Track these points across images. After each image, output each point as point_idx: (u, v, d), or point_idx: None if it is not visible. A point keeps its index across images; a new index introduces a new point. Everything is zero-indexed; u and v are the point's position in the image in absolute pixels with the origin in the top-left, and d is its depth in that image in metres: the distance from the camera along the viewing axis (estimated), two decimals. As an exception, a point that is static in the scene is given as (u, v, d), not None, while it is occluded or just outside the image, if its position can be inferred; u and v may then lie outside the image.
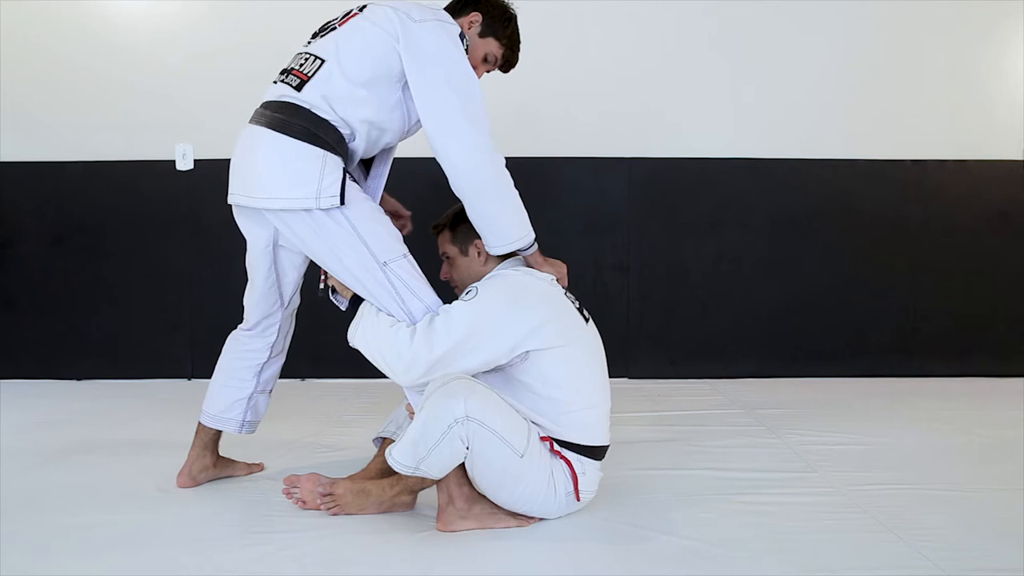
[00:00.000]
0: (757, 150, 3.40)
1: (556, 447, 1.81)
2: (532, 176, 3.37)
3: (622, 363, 3.40)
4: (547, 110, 3.35)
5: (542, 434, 1.79)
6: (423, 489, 1.89)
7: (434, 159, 1.87)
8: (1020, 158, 3.46)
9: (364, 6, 1.87)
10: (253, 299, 2.05)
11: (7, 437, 2.51)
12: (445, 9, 1.95)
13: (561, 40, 3.34)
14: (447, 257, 2.03)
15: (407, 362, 1.75)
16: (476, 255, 1.97)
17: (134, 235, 3.33)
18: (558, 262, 1.99)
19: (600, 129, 3.37)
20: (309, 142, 1.75)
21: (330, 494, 1.86)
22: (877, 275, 3.46)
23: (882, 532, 1.82)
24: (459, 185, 1.86)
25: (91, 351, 3.36)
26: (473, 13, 1.98)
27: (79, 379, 3.33)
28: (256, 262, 2.00)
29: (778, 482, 2.13)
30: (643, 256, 3.42)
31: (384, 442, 2.12)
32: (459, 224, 1.99)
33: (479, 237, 1.93)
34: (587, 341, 1.88)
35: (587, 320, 1.92)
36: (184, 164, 3.29)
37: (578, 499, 1.83)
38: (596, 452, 1.86)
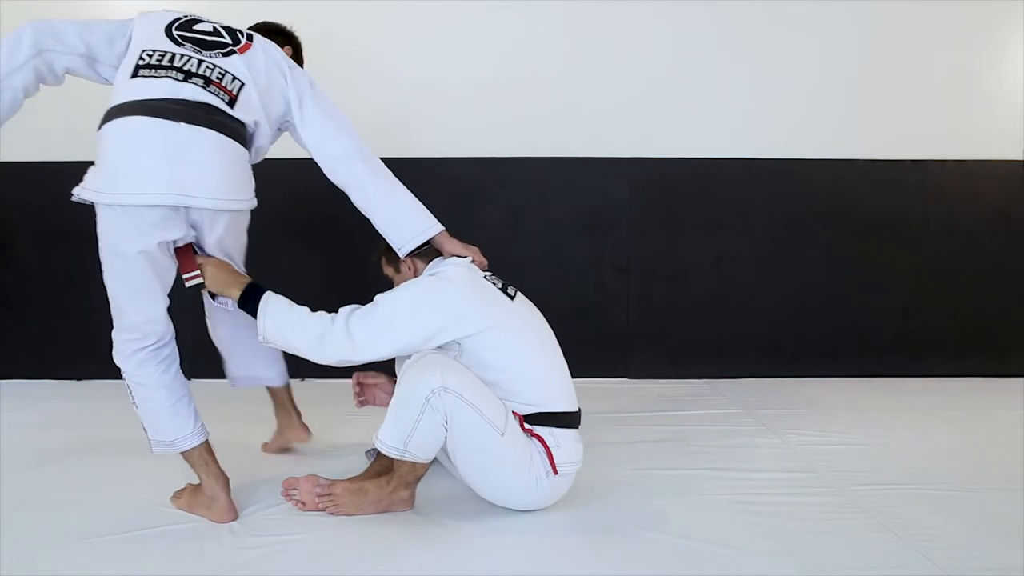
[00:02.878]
0: (757, 150, 3.40)
1: (527, 425, 1.82)
2: (532, 176, 3.38)
3: (622, 363, 3.40)
4: (547, 110, 3.35)
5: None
6: (418, 481, 1.89)
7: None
8: (1020, 158, 3.46)
9: (252, 35, 2.02)
10: (160, 308, 2.02)
11: (7, 437, 2.51)
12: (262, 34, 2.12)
13: (561, 40, 3.33)
14: (391, 279, 2.13)
15: (320, 337, 1.85)
16: (407, 269, 2.06)
17: (134, 235, 3.32)
18: (471, 245, 2.04)
19: (600, 129, 3.37)
20: (246, 149, 1.86)
21: (329, 494, 1.88)
22: (877, 275, 3.46)
23: (882, 532, 1.82)
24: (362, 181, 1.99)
25: (91, 351, 3.34)
26: (287, 47, 2.28)
27: (79, 379, 3.33)
28: (152, 267, 1.94)
29: (778, 482, 2.13)
30: (643, 256, 3.42)
31: (379, 456, 2.13)
32: (390, 250, 2.07)
33: (399, 259, 2.05)
34: (516, 318, 1.90)
35: (512, 297, 1.94)
36: (184, 164, 3.29)
37: (555, 472, 1.82)
38: (566, 419, 1.88)
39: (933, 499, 2.02)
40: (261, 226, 3.33)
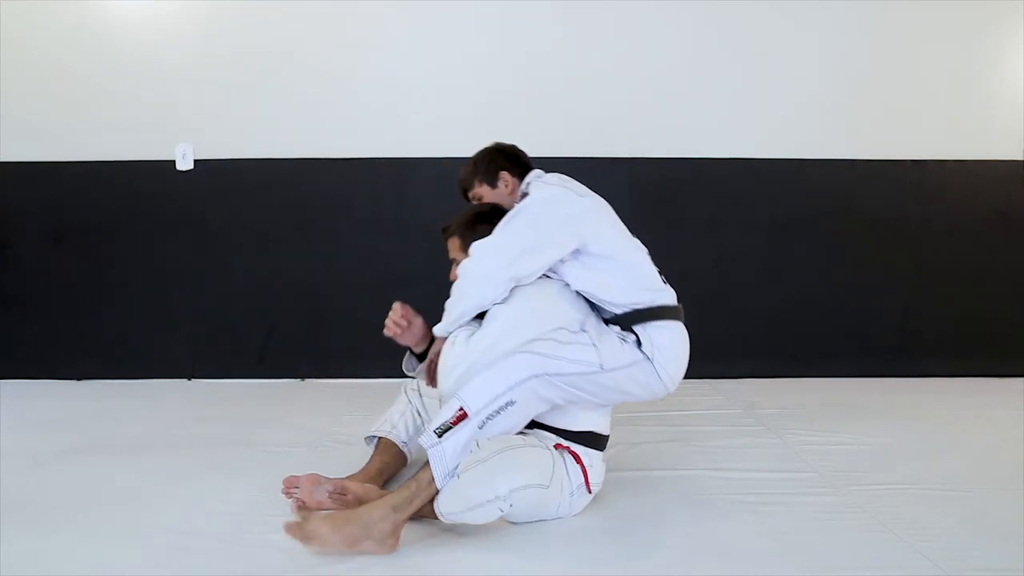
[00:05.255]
0: (757, 150, 3.40)
1: (565, 442, 1.85)
2: (532, 176, 3.37)
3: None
4: (547, 110, 3.34)
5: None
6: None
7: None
8: (1020, 158, 3.46)
9: None
10: None
11: (7, 437, 2.51)
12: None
13: (561, 40, 3.33)
14: (456, 261, 2.04)
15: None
16: (503, 186, 2.07)
17: (134, 235, 3.33)
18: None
19: (600, 129, 3.37)
20: None
21: (342, 494, 1.84)
22: (877, 275, 3.46)
23: (882, 532, 1.82)
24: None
25: (91, 351, 3.36)
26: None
27: (79, 379, 3.33)
28: None
29: (778, 482, 2.13)
30: (643, 256, 3.41)
31: (379, 441, 2.12)
32: (467, 231, 2.02)
33: (481, 233, 1.99)
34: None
35: None
36: (184, 164, 3.29)
37: (589, 491, 1.87)
38: (600, 442, 1.93)
39: (933, 499, 2.02)
40: (262, 226, 3.35)
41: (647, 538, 1.78)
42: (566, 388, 1.80)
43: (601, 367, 1.83)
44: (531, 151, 3.36)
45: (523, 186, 2.13)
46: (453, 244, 2.06)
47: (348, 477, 1.99)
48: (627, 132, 3.37)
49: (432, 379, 2.00)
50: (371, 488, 1.89)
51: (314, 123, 3.32)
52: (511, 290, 1.90)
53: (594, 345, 1.85)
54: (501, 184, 2.14)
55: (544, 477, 1.72)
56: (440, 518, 1.70)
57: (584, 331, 1.88)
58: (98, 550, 1.70)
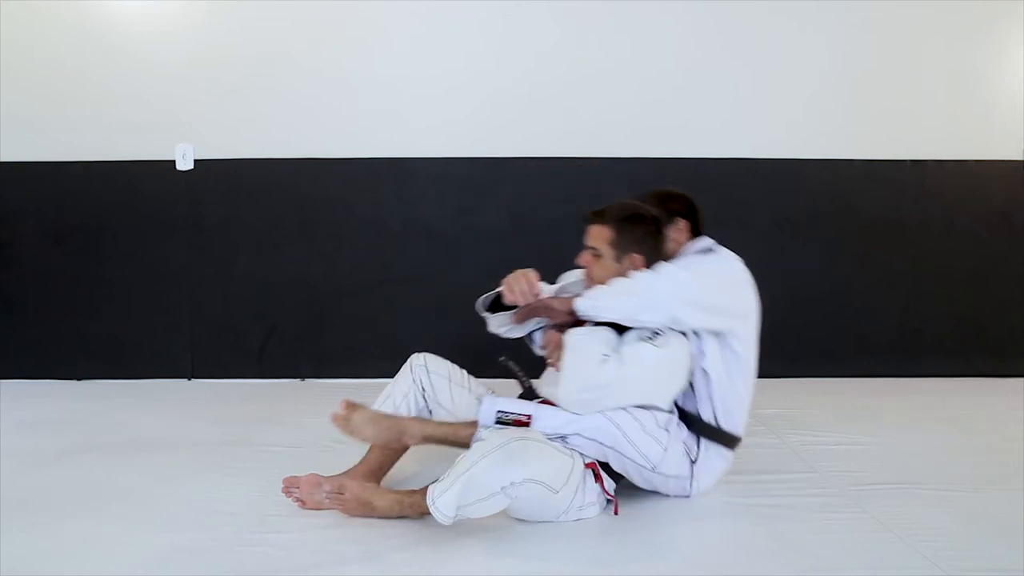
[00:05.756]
0: (757, 150, 3.40)
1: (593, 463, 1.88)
2: (533, 176, 3.38)
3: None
4: (547, 110, 3.34)
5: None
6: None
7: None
8: (1020, 158, 3.46)
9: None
10: None
11: (7, 437, 2.51)
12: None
13: (561, 40, 3.33)
14: (596, 252, 1.98)
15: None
16: (628, 269, 1.95)
17: (134, 235, 3.33)
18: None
19: (600, 129, 3.37)
20: None
21: (340, 493, 1.85)
22: (877, 275, 3.46)
23: (882, 532, 1.82)
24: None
25: (91, 351, 3.36)
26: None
27: (79, 379, 3.33)
28: None
29: (778, 482, 2.13)
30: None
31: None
32: (625, 227, 1.96)
33: (640, 253, 1.96)
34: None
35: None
36: (184, 164, 3.29)
37: (614, 507, 1.88)
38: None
39: (933, 499, 2.02)
40: (262, 226, 3.35)
41: (647, 538, 1.78)
42: (615, 460, 1.86)
43: (654, 468, 1.89)
44: (531, 151, 3.39)
45: (702, 242, 2.11)
46: (600, 233, 1.97)
47: (347, 472, 1.99)
48: (627, 132, 3.37)
49: (521, 319, 2.05)
50: (369, 486, 1.89)
51: (314, 123, 3.32)
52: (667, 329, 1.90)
53: (665, 449, 1.88)
54: (676, 230, 2.12)
55: (556, 482, 1.72)
56: (442, 520, 1.68)
57: (667, 430, 1.89)
58: (98, 550, 1.70)
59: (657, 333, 1.87)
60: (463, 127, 3.34)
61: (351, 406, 1.90)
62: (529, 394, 1.95)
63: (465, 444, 1.82)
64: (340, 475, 1.99)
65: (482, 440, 1.73)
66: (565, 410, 1.83)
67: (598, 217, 1.99)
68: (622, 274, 1.94)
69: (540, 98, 3.34)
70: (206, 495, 2.02)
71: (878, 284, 3.46)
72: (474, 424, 1.84)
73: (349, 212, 3.35)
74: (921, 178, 3.43)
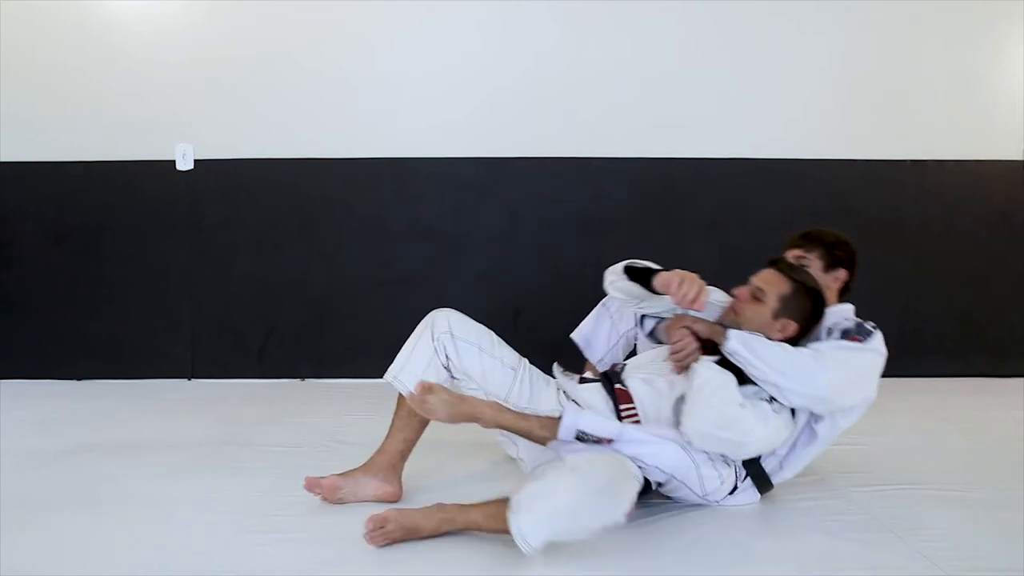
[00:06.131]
0: (757, 150, 3.40)
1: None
2: (533, 176, 3.38)
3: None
4: (547, 110, 3.34)
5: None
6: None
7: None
8: (1020, 158, 3.46)
9: None
10: None
11: (7, 437, 2.51)
12: None
13: (561, 40, 3.33)
14: (759, 295, 1.95)
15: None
16: (777, 329, 1.93)
17: (134, 235, 3.33)
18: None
19: (599, 129, 3.36)
20: None
21: (382, 527, 1.71)
22: (877, 275, 3.45)
23: (882, 532, 1.82)
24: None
25: (91, 351, 3.36)
26: None
27: (79, 379, 3.33)
28: None
29: (778, 482, 2.13)
30: (643, 256, 3.38)
31: (401, 403, 1.98)
32: (801, 295, 1.94)
33: (798, 324, 1.94)
34: None
35: None
36: (184, 164, 3.29)
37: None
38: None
39: (933, 499, 2.02)
40: (262, 226, 3.35)
41: (647, 537, 1.78)
42: (674, 486, 1.87)
43: (705, 496, 1.90)
44: (531, 151, 3.39)
45: (849, 311, 2.07)
46: (776, 283, 1.95)
47: (368, 464, 1.96)
48: (627, 132, 3.37)
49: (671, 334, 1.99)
50: (409, 512, 1.75)
51: (314, 123, 3.31)
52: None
53: (722, 483, 1.89)
54: (832, 276, 2.10)
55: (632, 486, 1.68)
56: (527, 551, 1.57)
57: (728, 464, 1.89)
58: (98, 550, 1.70)
59: (774, 398, 1.86)
60: (463, 127, 3.34)
61: (427, 388, 1.81)
62: (609, 379, 1.96)
63: (540, 442, 1.82)
64: (359, 468, 1.95)
65: (575, 470, 1.63)
66: (648, 436, 1.80)
67: (783, 268, 1.97)
68: (770, 329, 1.92)
69: (540, 98, 3.34)
70: (206, 495, 2.02)
71: (878, 284, 3.45)
72: (552, 426, 1.80)
73: (349, 212, 3.35)
74: (921, 178, 3.43)
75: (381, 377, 2.03)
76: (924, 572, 1.64)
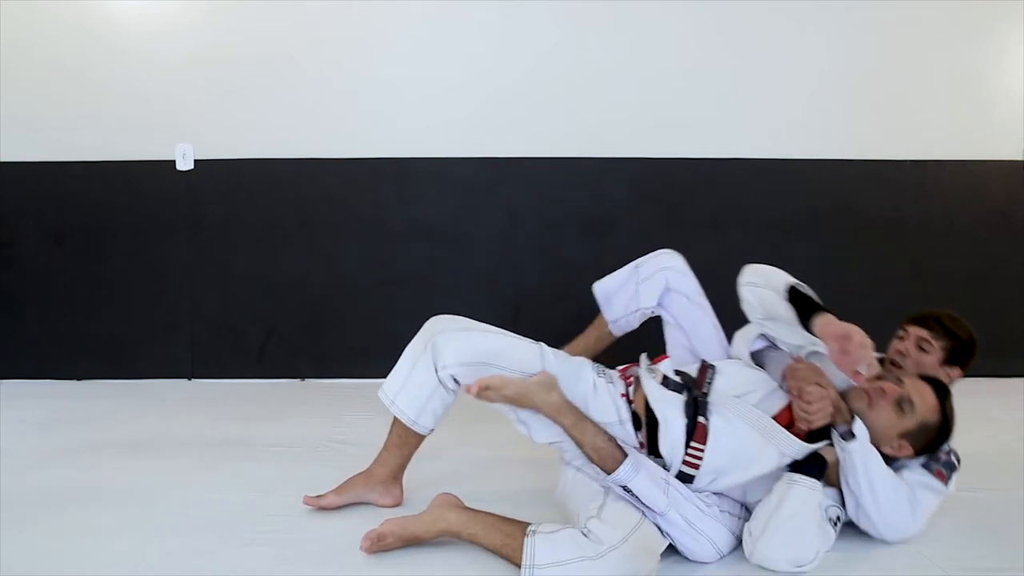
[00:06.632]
0: (757, 150, 3.40)
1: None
2: (533, 176, 3.38)
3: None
4: (547, 110, 3.34)
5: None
6: None
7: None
8: (1020, 158, 3.46)
9: None
10: None
11: (7, 437, 2.51)
12: None
13: (561, 40, 3.33)
14: (905, 408, 1.76)
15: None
16: (894, 446, 1.77)
17: (134, 235, 3.33)
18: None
19: (599, 129, 3.36)
20: None
21: (380, 541, 1.68)
22: (877, 275, 3.46)
23: (882, 532, 1.82)
24: None
25: (91, 351, 3.36)
26: None
27: (79, 379, 3.33)
28: None
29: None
30: (642, 255, 3.41)
31: (397, 426, 1.93)
32: (931, 426, 1.77)
33: (913, 448, 1.79)
34: None
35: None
36: (184, 164, 3.29)
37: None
38: None
39: (933, 499, 2.02)
40: (262, 226, 3.35)
41: (647, 538, 1.78)
42: (674, 532, 1.70)
43: (716, 550, 1.73)
44: (531, 151, 3.39)
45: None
46: (931, 409, 1.78)
47: (366, 472, 1.94)
48: (627, 132, 3.37)
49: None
50: (407, 521, 1.73)
51: (314, 123, 3.31)
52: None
53: (733, 533, 1.77)
54: (946, 372, 2.04)
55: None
56: None
57: (740, 518, 1.79)
58: (98, 550, 1.70)
59: (840, 518, 1.76)
60: (463, 127, 3.34)
61: (484, 386, 1.72)
62: (695, 402, 1.79)
63: (584, 454, 1.74)
64: (358, 479, 1.93)
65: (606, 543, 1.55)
66: (695, 516, 1.69)
67: (944, 399, 1.80)
68: (888, 441, 1.76)
69: (540, 98, 3.34)
70: (206, 495, 2.02)
71: (878, 284, 3.46)
72: (603, 456, 1.71)
73: (349, 212, 3.35)
74: (921, 178, 3.43)
75: (381, 377, 2.01)
76: (924, 572, 1.64)
